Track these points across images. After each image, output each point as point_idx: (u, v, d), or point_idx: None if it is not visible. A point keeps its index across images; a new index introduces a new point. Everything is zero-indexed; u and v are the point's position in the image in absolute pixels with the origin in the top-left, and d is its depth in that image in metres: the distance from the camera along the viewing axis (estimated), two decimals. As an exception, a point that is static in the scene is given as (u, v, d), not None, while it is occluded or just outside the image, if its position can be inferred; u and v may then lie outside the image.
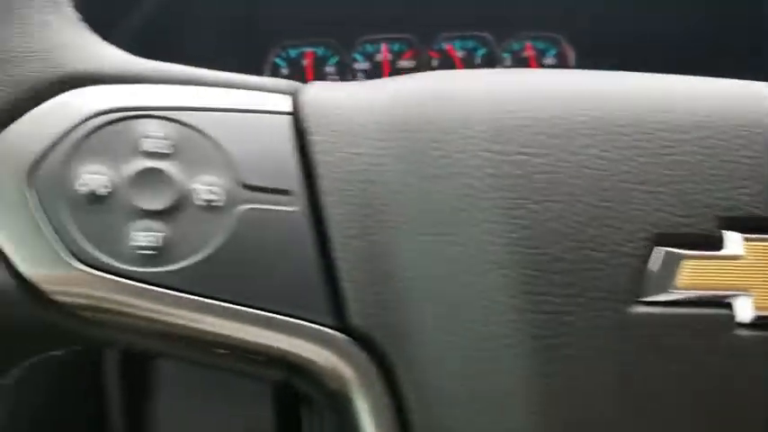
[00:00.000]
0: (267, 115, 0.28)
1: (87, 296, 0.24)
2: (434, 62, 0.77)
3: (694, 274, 0.25)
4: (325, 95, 0.28)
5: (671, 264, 0.25)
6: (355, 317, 0.25)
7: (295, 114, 0.28)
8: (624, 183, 0.26)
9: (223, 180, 0.26)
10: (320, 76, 0.76)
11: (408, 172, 0.26)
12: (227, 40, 0.72)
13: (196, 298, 0.25)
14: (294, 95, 0.29)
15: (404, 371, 0.25)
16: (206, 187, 0.26)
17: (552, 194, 0.26)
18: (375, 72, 0.76)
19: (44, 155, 0.24)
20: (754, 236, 0.26)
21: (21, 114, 0.25)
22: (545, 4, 0.76)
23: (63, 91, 0.26)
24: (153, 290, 0.24)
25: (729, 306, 0.25)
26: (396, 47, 0.77)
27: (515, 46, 0.78)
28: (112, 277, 0.24)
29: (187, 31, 0.68)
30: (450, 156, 0.26)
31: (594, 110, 0.27)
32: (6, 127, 0.25)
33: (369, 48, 0.76)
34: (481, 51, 0.78)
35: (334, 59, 0.76)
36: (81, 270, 0.24)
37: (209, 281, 0.25)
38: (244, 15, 0.71)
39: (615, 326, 0.25)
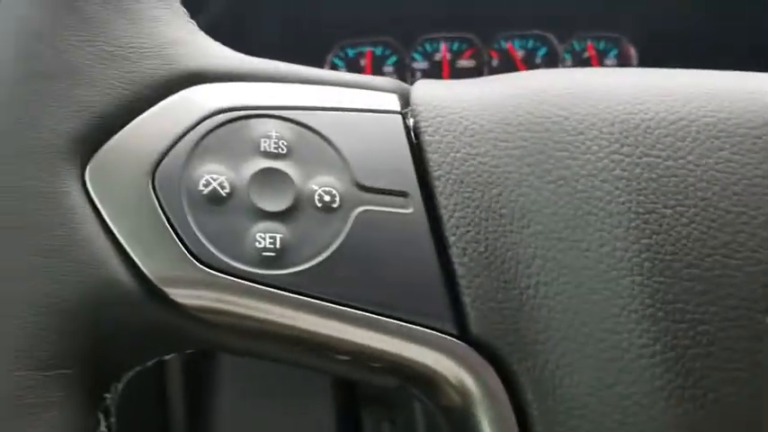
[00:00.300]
0: (379, 114, 0.27)
1: (208, 298, 0.24)
2: (494, 62, 0.76)
3: None
4: (437, 94, 0.27)
5: None
6: (476, 325, 0.24)
7: (407, 113, 0.27)
8: (756, 186, 0.25)
9: (338, 181, 0.25)
10: (379, 74, 0.75)
11: (531, 174, 0.25)
12: (286, 41, 0.71)
13: (317, 302, 0.24)
14: (404, 94, 0.28)
15: (528, 382, 0.24)
16: (323, 188, 0.25)
17: (684, 199, 0.25)
18: (434, 71, 0.76)
19: (164, 154, 0.24)
20: None
21: (138, 113, 0.24)
22: (606, 4, 0.75)
23: (180, 88, 0.25)
24: (275, 292, 0.24)
25: None
26: (455, 46, 0.76)
27: (576, 46, 0.77)
28: (234, 279, 0.24)
29: (247, 32, 0.68)
30: (577, 158, 0.25)
31: (721, 111, 0.26)
32: (124, 126, 0.24)
33: (428, 47, 0.76)
34: (542, 51, 0.77)
35: (393, 59, 0.75)
36: (202, 271, 0.23)
37: (328, 284, 0.24)
38: (304, 16, 0.71)
39: (752, 336, 0.24)
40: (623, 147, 0.25)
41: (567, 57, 0.76)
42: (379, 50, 0.75)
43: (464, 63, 0.75)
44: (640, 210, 0.24)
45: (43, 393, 0.22)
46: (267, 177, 0.25)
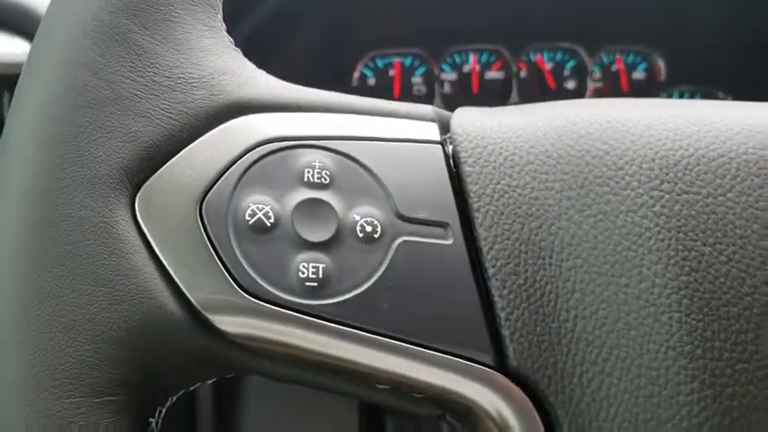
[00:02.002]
0: (419, 144, 0.27)
1: (252, 326, 0.24)
2: (522, 73, 0.76)
3: None
4: (477, 124, 0.28)
5: None
6: (515, 357, 0.25)
7: (446, 143, 0.28)
8: None
9: (379, 211, 0.26)
10: (407, 86, 0.76)
11: (571, 208, 0.25)
12: (320, 50, 0.72)
13: (359, 332, 0.24)
14: (444, 122, 0.28)
15: (565, 415, 0.24)
16: (364, 218, 0.25)
17: (723, 237, 0.25)
18: (463, 83, 0.76)
19: (211, 184, 0.25)
20: None
21: (186, 143, 0.25)
22: (636, 18, 0.74)
23: (226, 118, 0.26)
24: (317, 322, 0.24)
25: None
26: (484, 58, 0.76)
27: (605, 59, 0.77)
28: (277, 308, 0.24)
29: (284, 42, 0.69)
30: (617, 193, 0.25)
31: (763, 148, 0.26)
32: (173, 156, 0.25)
33: (457, 58, 0.76)
34: (570, 64, 0.76)
35: (422, 69, 0.76)
36: (247, 300, 0.24)
37: (370, 314, 0.25)
38: (336, 28, 0.71)
39: None
40: (663, 183, 0.25)
41: (597, 70, 0.76)
42: (408, 61, 0.75)
43: (493, 74, 0.76)
44: (680, 247, 0.24)
45: (92, 419, 0.22)
46: (310, 208, 0.25)
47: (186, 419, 0.62)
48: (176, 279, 0.24)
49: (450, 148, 0.28)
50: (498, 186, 0.26)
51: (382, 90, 0.74)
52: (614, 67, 0.77)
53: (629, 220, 0.25)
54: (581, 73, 0.76)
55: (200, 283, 0.24)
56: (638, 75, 0.77)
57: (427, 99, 0.75)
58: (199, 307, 0.24)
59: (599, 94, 0.76)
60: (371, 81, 0.75)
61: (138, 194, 0.24)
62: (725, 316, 0.24)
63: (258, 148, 0.25)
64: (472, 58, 0.75)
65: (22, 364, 0.22)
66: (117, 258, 0.23)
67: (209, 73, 0.26)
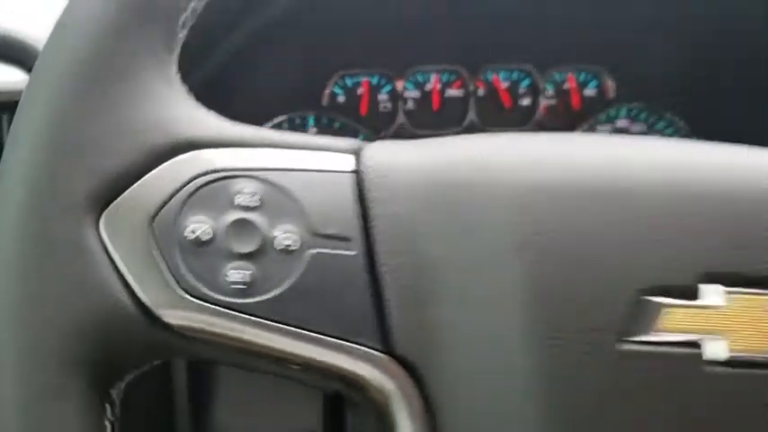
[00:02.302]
0: (335, 174, 0.34)
1: (191, 319, 0.31)
2: (480, 92, 0.83)
3: (674, 320, 0.31)
4: (381, 158, 0.34)
5: (654, 310, 0.31)
6: (399, 344, 0.31)
7: (357, 173, 0.34)
8: (622, 245, 0.32)
9: (297, 228, 0.32)
10: (374, 102, 0.82)
11: (445, 227, 0.32)
12: (290, 73, 0.79)
13: (277, 324, 0.31)
14: (357, 155, 0.35)
15: (436, 388, 0.31)
16: (284, 234, 0.32)
17: (564, 253, 0.31)
18: (425, 100, 0.82)
19: (161, 208, 0.31)
20: (730, 289, 0.31)
21: (144, 173, 0.32)
22: (587, 39, 0.81)
23: (176, 154, 0.32)
24: (243, 317, 0.31)
25: (700, 347, 0.31)
26: (445, 77, 0.82)
27: (557, 77, 0.83)
28: (210, 305, 0.31)
29: (254, 67, 0.75)
30: (478, 217, 0.32)
31: (601, 178, 0.33)
32: (132, 185, 0.32)
33: (420, 77, 0.82)
34: (525, 82, 0.83)
35: (387, 87, 0.82)
36: (187, 299, 0.31)
37: (286, 310, 0.31)
38: (304, 50, 0.78)
39: (605, 360, 0.31)
40: (513, 210, 0.32)
41: (549, 87, 0.83)
42: (375, 80, 0.82)
43: (452, 92, 0.82)
44: (525, 262, 0.31)
45: (65, 386, 0.29)
46: (240, 226, 0.32)
47: (164, 407, 0.69)
48: (132, 283, 0.31)
49: (361, 178, 0.34)
50: (393, 209, 0.33)
51: (351, 107, 0.81)
52: (566, 85, 0.83)
53: (488, 238, 0.32)
54: (535, 91, 0.83)
55: (150, 286, 0.31)
56: (590, 92, 0.84)
57: (392, 115, 0.82)
58: (149, 305, 0.31)
59: (551, 110, 0.83)
60: (341, 98, 0.82)
61: (103, 216, 0.31)
62: (562, 312, 0.31)
63: (200, 178, 0.32)
64: (434, 77, 0.82)
65: (9, 345, 0.29)
66: (85, 266, 0.30)
67: (164, 118, 0.33)
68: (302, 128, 0.81)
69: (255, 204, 0.32)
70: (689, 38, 0.79)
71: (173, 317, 0.31)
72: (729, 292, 0.31)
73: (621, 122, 0.84)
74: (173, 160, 0.32)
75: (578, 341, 0.31)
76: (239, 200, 0.32)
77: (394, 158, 0.35)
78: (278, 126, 0.80)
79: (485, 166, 0.33)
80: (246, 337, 0.31)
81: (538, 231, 0.32)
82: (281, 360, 0.32)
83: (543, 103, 0.83)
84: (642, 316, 0.31)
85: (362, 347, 0.32)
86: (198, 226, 0.31)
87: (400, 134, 0.82)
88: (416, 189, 0.33)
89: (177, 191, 0.32)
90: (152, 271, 0.31)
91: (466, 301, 0.31)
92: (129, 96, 0.32)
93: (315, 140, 0.35)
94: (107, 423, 0.31)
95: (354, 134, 0.82)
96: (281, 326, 0.31)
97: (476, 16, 0.79)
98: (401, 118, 0.82)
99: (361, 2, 0.77)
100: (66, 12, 0.33)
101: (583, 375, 0.30)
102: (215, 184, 0.32)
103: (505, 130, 0.81)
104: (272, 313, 0.31)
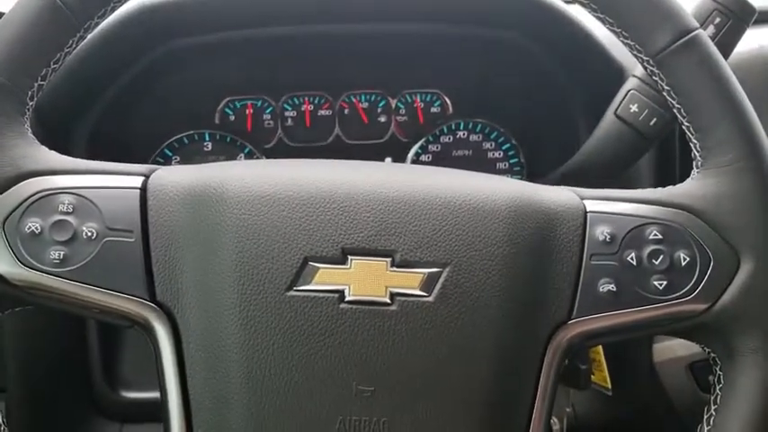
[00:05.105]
0: (125, 189, 0.54)
1: (26, 281, 0.51)
2: (345, 111, 1.02)
3: (324, 276, 0.51)
4: (164, 177, 0.54)
5: (312, 270, 0.51)
6: (159, 295, 0.52)
7: (144, 189, 0.54)
8: (297, 231, 0.52)
9: (97, 225, 0.52)
10: (259, 121, 1.02)
11: (191, 221, 0.53)
12: (186, 97, 0.99)
13: (81, 284, 0.51)
14: (148, 176, 0.55)
15: (181, 322, 0.51)
16: (88, 229, 0.52)
17: (257, 235, 0.51)
18: (300, 118, 1.02)
19: (9, 214, 0.51)
20: (356, 257, 0.51)
21: (1, 194, 0.52)
22: (429, 68, 1.01)
23: (21, 181, 0.53)
24: (60, 280, 0.51)
25: (339, 293, 0.51)
26: (316, 100, 1.02)
27: (408, 98, 1.03)
28: (38, 272, 0.51)
29: (156, 98, 0.96)
30: (211, 213, 0.52)
31: (293, 188, 0.53)
32: None
33: (295, 101, 1.02)
34: (381, 103, 1.03)
35: (270, 109, 1.02)
36: (25, 268, 0.51)
37: (87, 275, 0.52)
38: (197, 81, 0.98)
39: (279, 300, 0.50)
40: (235, 211, 0.52)
41: (401, 106, 1.03)
42: (258, 103, 1.02)
43: (322, 112, 1.02)
44: (228, 243, 0.51)
45: None
46: (60, 224, 0.52)
47: (80, 359, 0.90)
48: None
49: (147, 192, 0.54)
50: (163, 210, 0.53)
51: (239, 125, 1.01)
52: (414, 105, 1.03)
53: (206, 231, 0.52)
54: (389, 110, 1.02)
55: (3, 263, 0.51)
56: (435, 109, 1.04)
57: (273, 131, 1.02)
58: (1, 273, 0.51)
59: (403, 125, 1.03)
60: (231, 118, 1.02)
61: None
62: (260, 270, 0.51)
63: (35, 195, 0.52)
64: (305, 100, 1.02)
65: None
66: None
67: (13, 158, 0.53)
68: (200, 142, 1.01)
69: (70, 210, 0.52)
70: (514, 63, 0.99)
71: (17, 279, 0.51)
72: (355, 259, 0.51)
73: (461, 134, 1.04)
74: (19, 184, 0.53)
75: (262, 291, 0.51)
76: (60, 208, 0.52)
77: (173, 177, 0.55)
78: (180, 141, 1.00)
79: (223, 182, 0.53)
80: (62, 291, 0.51)
81: (241, 224, 0.52)
82: (86, 306, 0.52)
83: (396, 119, 1.03)
84: (305, 274, 0.51)
85: (137, 298, 0.52)
86: (33, 225, 0.51)
87: (280, 146, 1.02)
88: (179, 197, 0.53)
89: (21, 204, 0.52)
90: (4, 255, 0.51)
91: (199, 268, 0.52)
92: None
93: (114, 166, 0.55)
94: None
95: (242, 147, 1.02)
96: (84, 285, 0.51)
97: (340, 53, 0.99)
98: (280, 133, 1.02)
99: (246, 43, 0.97)
100: None
101: (264, 315, 0.50)
102: (45, 198, 0.52)
103: (365, 143, 1.02)
104: (79, 277, 0.51)
